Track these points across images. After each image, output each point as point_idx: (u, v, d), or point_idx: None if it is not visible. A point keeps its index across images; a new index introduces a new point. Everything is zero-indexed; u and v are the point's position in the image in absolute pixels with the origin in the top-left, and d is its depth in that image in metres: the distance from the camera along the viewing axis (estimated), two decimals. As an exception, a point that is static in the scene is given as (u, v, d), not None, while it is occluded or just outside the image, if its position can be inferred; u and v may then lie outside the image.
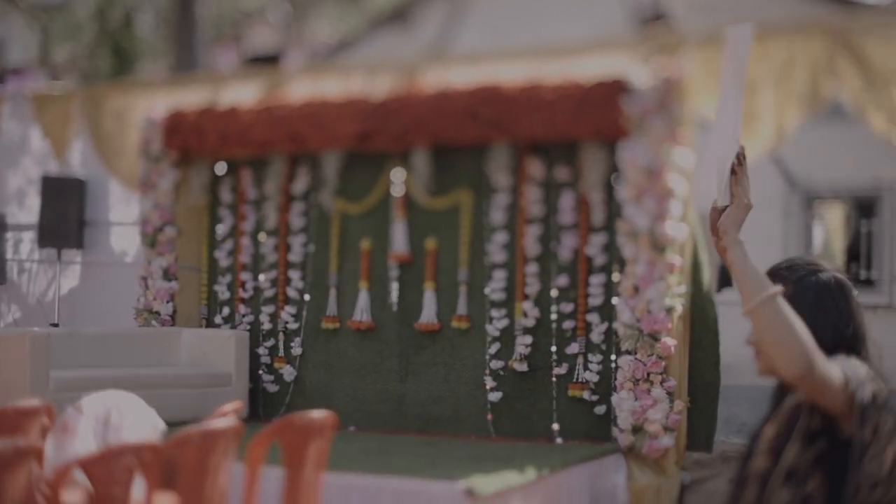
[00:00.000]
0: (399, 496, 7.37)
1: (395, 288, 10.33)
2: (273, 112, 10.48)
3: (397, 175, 10.31)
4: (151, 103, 11.27)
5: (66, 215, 11.77)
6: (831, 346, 3.27)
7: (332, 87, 10.48)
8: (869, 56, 8.40)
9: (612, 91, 9.09)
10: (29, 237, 12.08)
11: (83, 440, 6.17)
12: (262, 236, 10.95)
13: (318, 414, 6.27)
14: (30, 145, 12.21)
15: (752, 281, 3.21)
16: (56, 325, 11.58)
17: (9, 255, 11.86)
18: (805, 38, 8.72)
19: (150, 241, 11.04)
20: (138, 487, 5.21)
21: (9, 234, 11.74)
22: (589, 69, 9.38)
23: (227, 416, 6.38)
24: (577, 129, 9.37)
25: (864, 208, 16.96)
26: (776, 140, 8.81)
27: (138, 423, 6.32)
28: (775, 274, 3.44)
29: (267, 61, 22.82)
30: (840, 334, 3.35)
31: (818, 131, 13.73)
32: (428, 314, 10.14)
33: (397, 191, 10.31)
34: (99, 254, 11.92)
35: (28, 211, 12.09)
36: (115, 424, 6.21)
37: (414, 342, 10.24)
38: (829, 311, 3.40)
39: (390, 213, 10.35)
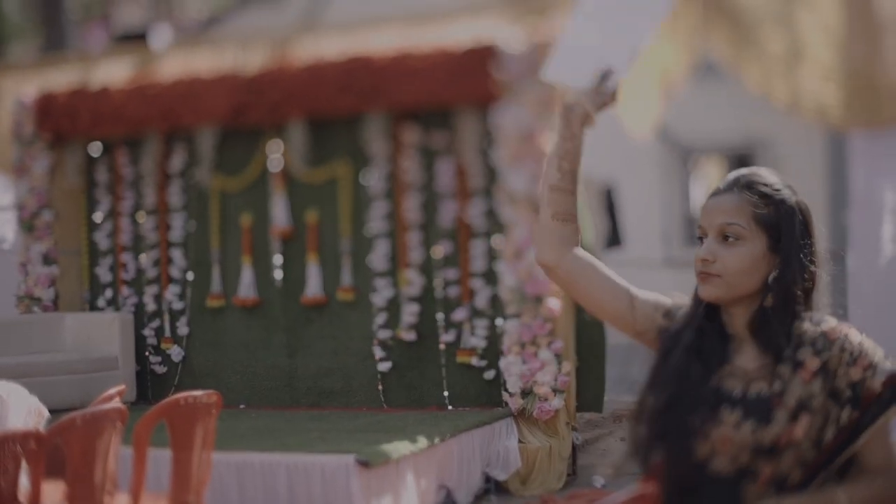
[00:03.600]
0: (292, 472, 7.37)
1: (278, 263, 10.29)
2: (145, 90, 10.37)
3: (274, 149, 10.25)
4: (21, 86, 11.09)
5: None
6: (796, 292, 2.99)
7: (204, 62, 10.39)
8: (741, 10, 8.49)
9: (484, 57, 9.11)
10: None
11: (-34, 432, 6.07)
12: (140, 216, 10.84)
13: (202, 393, 6.24)
14: None
15: None
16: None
17: None
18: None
19: (28, 226, 10.88)
20: (25, 477, 5.15)
21: None
22: (461, 34, 9.39)
23: (111, 399, 6.31)
24: (451, 96, 9.39)
25: (740, 163, 17.20)
26: (663, 102, 8.88)
27: (21, 411, 6.24)
28: (750, 187, 3.04)
29: (136, 39, 22.53)
30: (808, 278, 3.03)
31: (693, 87, 13.90)
32: (313, 287, 10.11)
33: (275, 165, 10.25)
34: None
35: None
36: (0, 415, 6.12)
37: (301, 316, 10.21)
38: (807, 249, 3.05)
39: (269, 188, 10.29)
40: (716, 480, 2.96)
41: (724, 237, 3.02)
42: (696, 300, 3.11)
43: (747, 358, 3.03)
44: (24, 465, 5.11)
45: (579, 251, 3.28)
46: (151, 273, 10.80)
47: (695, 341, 3.07)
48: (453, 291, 9.67)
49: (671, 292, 3.24)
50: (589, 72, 3.29)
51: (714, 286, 3.03)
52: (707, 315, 3.10)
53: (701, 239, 3.09)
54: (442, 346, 9.68)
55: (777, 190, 3.04)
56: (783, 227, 3.01)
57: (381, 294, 9.87)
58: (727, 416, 2.95)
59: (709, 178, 18.20)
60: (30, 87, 10.99)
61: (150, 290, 10.79)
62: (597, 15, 3.43)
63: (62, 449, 5.38)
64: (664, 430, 3.01)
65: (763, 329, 3.00)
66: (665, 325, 3.17)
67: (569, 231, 3.27)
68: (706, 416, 2.97)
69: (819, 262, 3.06)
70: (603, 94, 3.27)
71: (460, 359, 9.60)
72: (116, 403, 5.99)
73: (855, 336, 2.98)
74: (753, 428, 2.91)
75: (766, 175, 3.08)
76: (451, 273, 9.68)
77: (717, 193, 3.10)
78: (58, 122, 10.72)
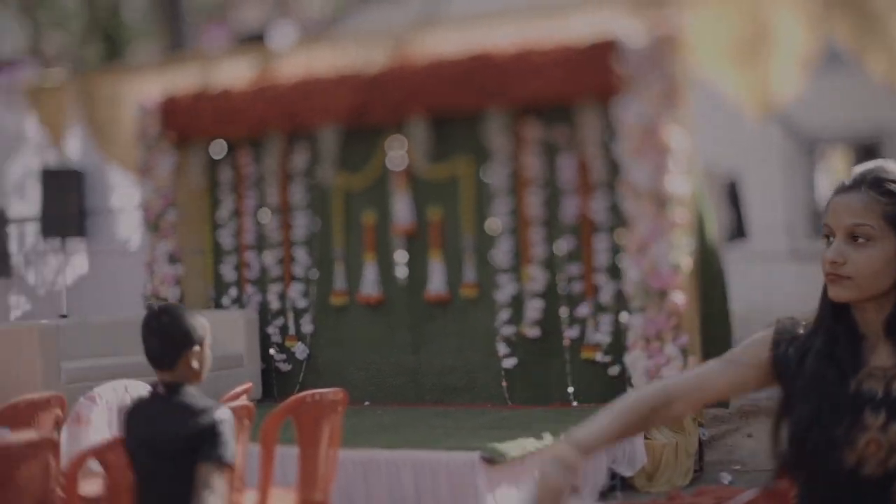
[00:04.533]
0: (418, 468, 7.37)
1: (401, 260, 10.30)
2: (267, 91, 10.43)
3: (395, 146, 10.26)
4: (144, 88, 11.21)
5: (67, 205, 11.71)
6: None
7: (324, 61, 10.42)
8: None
9: (605, 50, 9.03)
10: (32, 229, 12.04)
11: (97, 430, 6.16)
12: (264, 215, 10.91)
13: (329, 390, 6.26)
14: (26, 137, 12.16)
15: None
16: (64, 316, 11.56)
17: (13, 247, 11.82)
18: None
19: (153, 226, 11.01)
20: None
21: (11, 228, 11.69)
22: (581, 27, 9.32)
23: (238, 397, 6.36)
24: (572, 91, 9.33)
25: (867, 154, 16.89)
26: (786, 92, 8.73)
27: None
28: (878, 184, 2.86)
29: (256, 39, 22.73)
30: None
31: (817, 78, 13.68)
32: (436, 284, 10.12)
33: (396, 163, 10.26)
34: (103, 242, 11.89)
35: (29, 203, 12.05)
36: (129, 413, 6.17)
37: (424, 313, 10.23)
38: None
39: (390, 186, 10.31)
40: (864, 486, 2.87)
41: (854, 238, 2.88)
42: (825, 301, 3.02)
43: (883, 357, 2.92)
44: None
45: (668, 390, 3.18)
46: (275, 271, 10.88)
47: (826, 346, 2.98)
48: (577, 287, 9.62)
49: (770, 321, 3.14)
50: None
51: (845, 288, 2.90)
52: (835, 316, 3.01)
53: (827, 237, 2.97)
54: (566, 342, 9.63)
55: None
56: None
57: (505, 290, 9.84)
58: (872, 419, 2.85)
59: (834, 169, 17.89)
60: (151, 88, 11.11)
61: (274, 289, 10.87)
62: None
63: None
64: (811, 448, 2.92)
65: None
66: (781, 351, 3.07)
67: (646, 412, 3.21)
68: (850, 424, 2.87)
69: None
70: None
71: (585, 354, 9.55)
72: (243, 401, 6.03)
73: None
74: None
75: (893, 170, 2.90)
76: (575, 268, 9.62)
77: (842, 191, 2.94)
78: (182, 123, 10.84)
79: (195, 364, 4.70)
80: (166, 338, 4.66)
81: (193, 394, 4.63)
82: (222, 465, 4.41)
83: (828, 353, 2.95)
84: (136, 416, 4.73)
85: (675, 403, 3.17)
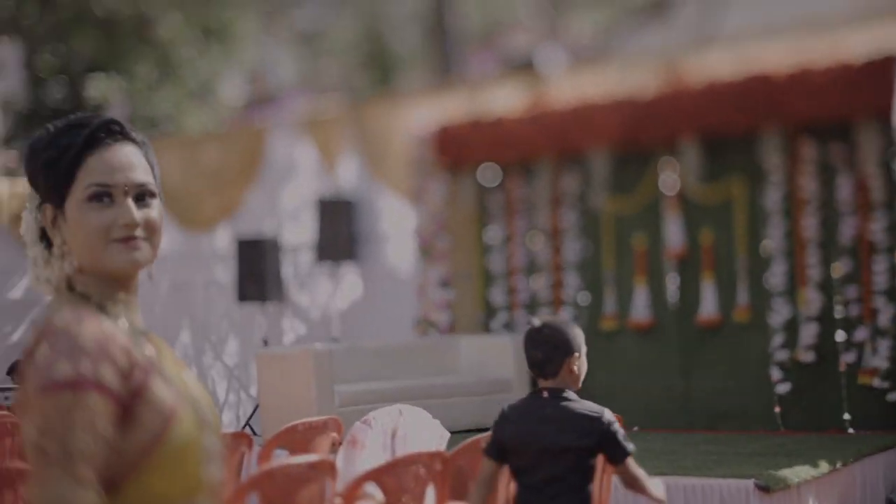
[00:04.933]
0: (689, 495, 7.27)
1: (672, 284, 10.20)
2: (538, 117, 10.49)
3: (667, 169, 10.17)
4: (415, 115, 11.39)
5: (340, 231, 11.92)
6: None
7: (594, 85, 10.41)
8: None
9: (884, 67, 8.79)
10: (305, 254, 12.32)
11: (372, 453, 6.24)
12: (533, 239, 10.94)
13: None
14: (298, 167, 12.46)
15: None
16: (336, 340, 11.78)
17: (287, 272, 12.11)
18: None
19: (426, 251, 11.16)
20: (429, 497, 5.23)
21: (285, 254, 11.98)
22: (857, 43, 9.09)
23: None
24: (850, 108, 9.10)
25: None
26: None
27: (425, 433, 6.37)
28: None
29: (526, 65, 22.85)
30: None
31: None
32: (708, 308, 9.98)
33: (668, 186, 10.17)
34: (374, 267, 12.08)
35: (302, 229, 12.33)
36: (402, 436, 6.26)
37: (695, 337, 10.11)
38: None
39: (661, 209, 10.22)
40: None
41: None
42: None
43: None
44: (428, 485, 5.20)
45: None
46: (545, 296, 10.88)
47: None
48: (854, 310, 9.37)
49: None
50: None
51: None
52: None
53: None
54: (842, 367, 9.37)
55: None
56: None
57: (779, 314, 9.64)
58: None
59: None
60: (422, 115, 11.27)
61: (543, 314, 10.86)
62: None
63: (466, 470, 5.45)
64: None
65: None
66: None
67: None
68: None
69: None
70: None
71: (862, 380, 9.28)
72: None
73: None
74: None
75: None
76: (852, 291, 9.37)
77: None
78: (454, 150, 11.00)
79: (575, 370, 4.96)
80: (550, 347, 4.94)
81: (577, 398, 4.95)
82: (629, 454, 4.84)
83: None
84: (523, 417, 4.98)
85: None
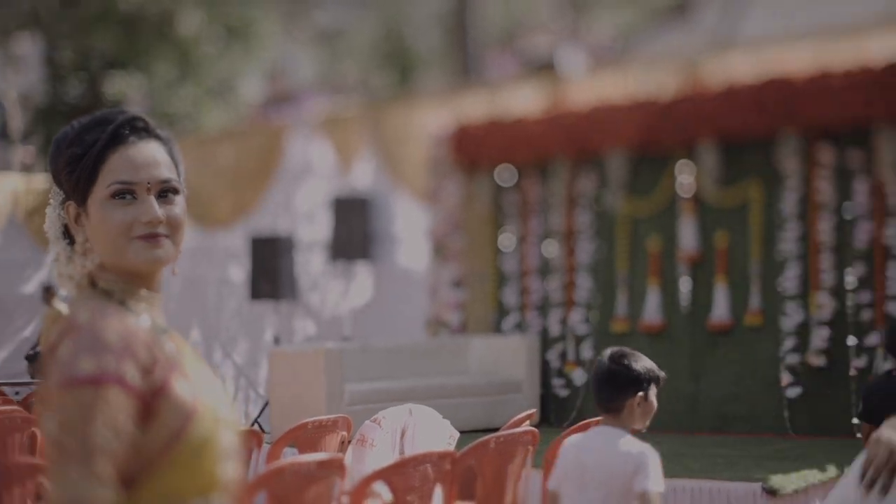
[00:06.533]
0: (696, 497, 7.27)
1: (685, 287, 10.22)
2: (557, 120, 10.51)
3: (684, 172, 10.19)
4: (433, 115, 11.43)
5: (354, 230, 11.95)
6: None
7: (613, 87, 10.43)
8: None
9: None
10: (318, 253, 12.34)
11: (381, 452, 6.27)
12: (548, 242, 10.96)
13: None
14: (315, 166, 12.49)
15: None
16: (347, 339, 11.81)
17: (299, 271, 12.12)
18: None
19: (439, 251, 11.18)
20: (437, 497, 5.27)
21: (298, 252, 11.99)
22: (879, 48, 9.11)
23: (522, 423, 6.41)
24: (868, 113, 9.09)
25: None
26: None
27: (434, 433, 6.40)
28: None
29: (546, 66, 22.85)
30: None
31: None
32: (720, 311, 9.99)
33: (684, 188, 10.19)
34: (387, 267, 12.11)
35: (317, 228, 12.35)
36: (412, 436, 6.29)
37: (706, 340, 10.10)
38: None
39: (677, 211, 10.23)
40: None
41: None
42: None
43: None
44: (436, 485, 5.23)
45: None
46: (557, 297, 10.90)
47: None
48: (867, 315, 9.36)
49: None
50: None
51: None
52: None
53: None
54: (853, 372, 9.37)
55: None
56: None
57: (791, 318, 9.65)
58: None
59: None
60: (440, 116, 11.30)
61: (555, 315, 10.89)
62: None
63: (474, 470, 5.49)
64: None
65: None
66: None
67: None
68: None
69: None
70: None
71: (873, 385, 9.28)
72: (526, 427, 6.07)
73: None
74: None
75: None
76: (865, 296, 9.37)
77: None
78: (471, 150, 11.03)
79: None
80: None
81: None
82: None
83: None
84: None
85: None
